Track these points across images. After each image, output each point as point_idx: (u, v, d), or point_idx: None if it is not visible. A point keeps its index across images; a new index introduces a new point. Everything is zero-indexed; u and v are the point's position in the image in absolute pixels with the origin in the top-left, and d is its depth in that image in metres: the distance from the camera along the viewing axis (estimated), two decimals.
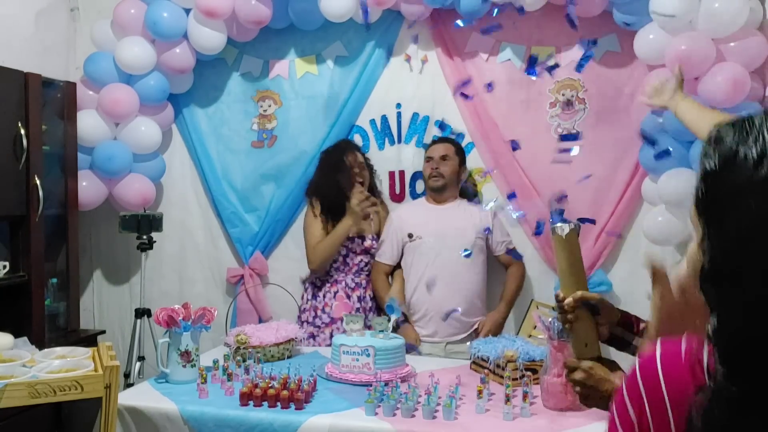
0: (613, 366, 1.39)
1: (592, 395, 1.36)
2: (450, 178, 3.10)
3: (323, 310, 3.13)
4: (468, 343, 2.98)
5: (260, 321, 3.41)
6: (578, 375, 1.38)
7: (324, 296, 3.15)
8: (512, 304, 3.13)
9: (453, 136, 3.28)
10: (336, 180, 3.14)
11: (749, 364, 0.68)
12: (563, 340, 2.06)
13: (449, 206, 3.13)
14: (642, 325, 1.47)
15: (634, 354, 1.46)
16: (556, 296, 1.45)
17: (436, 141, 3.23)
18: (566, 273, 1.44)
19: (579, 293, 1.40)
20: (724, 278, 0.69)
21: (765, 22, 2.80)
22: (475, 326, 3.05)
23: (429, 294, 3.00)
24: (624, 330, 1.46)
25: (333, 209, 3.11)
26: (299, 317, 3.21)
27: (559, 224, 1.43)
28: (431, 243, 3.05)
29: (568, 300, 1.40)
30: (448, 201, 3.14)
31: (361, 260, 3.17)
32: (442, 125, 3.38)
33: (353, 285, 3.16)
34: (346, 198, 3.07)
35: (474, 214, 3.11)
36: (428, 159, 3.14)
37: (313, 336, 3.12)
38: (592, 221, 3.16)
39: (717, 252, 0.70)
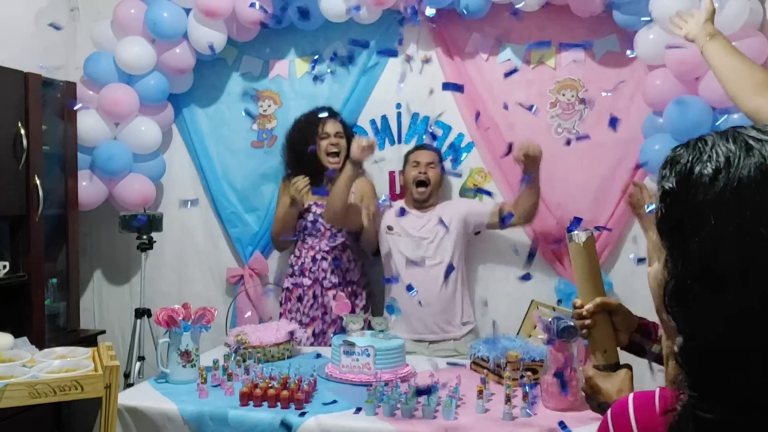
0: (626, 367, 1.39)
1: (593, 401, 1.38)
2: (435, 185, 3.13)
3: (302, 273, 3.20)
4: (452, 341, 2.99)
5: (260, 321, 3.41)
6: (582, 384, 1.41)
7: (302, 261, 3.21)
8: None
9: (433, 138, 3.36)
10: (310, 153, 3.16)
11: (721, 383, 0.67)
12: (563, 340, 2.06)
13: (428, 214, 3.12)
14: (660, 332, 1.47)
15: (654, 361, 1.46)
16: (574, 303, 1.45)
17: (420, 147, 3.24)
18: (584, 280, 1.44)
19: (599, 299, 1.40)
20: (691, 296, 0.69)
21: (765, 22, 2.80)
22: (460, 333, 3.06)
23: (407, 294, 2.97)
24: (642, 337, 1.46)
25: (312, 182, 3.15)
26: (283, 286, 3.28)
27: (575, 231, 1.43)
28: (409, 247, 3.06)
29: (588, 306, 1.40)
30: (428, 209, 3.14)
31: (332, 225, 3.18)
32: (430, 133, 3.40)
33: (327, 248, 3.19)
34: (322, 169, 3.13)
35: (451, 212, 3.10)
36: (415, 164, 3.14)
37: (287, 299, 3.23)
38: (609, 229, 3.14)
39: (682, 270, 0.70)
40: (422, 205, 3.14)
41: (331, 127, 3.20)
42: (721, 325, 0.67)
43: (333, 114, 3.26)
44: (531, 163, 2.88)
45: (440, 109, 3.41)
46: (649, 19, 2.83)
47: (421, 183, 3.10)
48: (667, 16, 2.43)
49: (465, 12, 3.10)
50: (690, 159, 0.71)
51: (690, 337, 0.70)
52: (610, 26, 3.11)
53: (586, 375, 1.37)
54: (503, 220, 2.99)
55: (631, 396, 0.80)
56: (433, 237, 3.05)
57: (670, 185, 0.72)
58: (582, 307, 1.42)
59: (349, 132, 3.27)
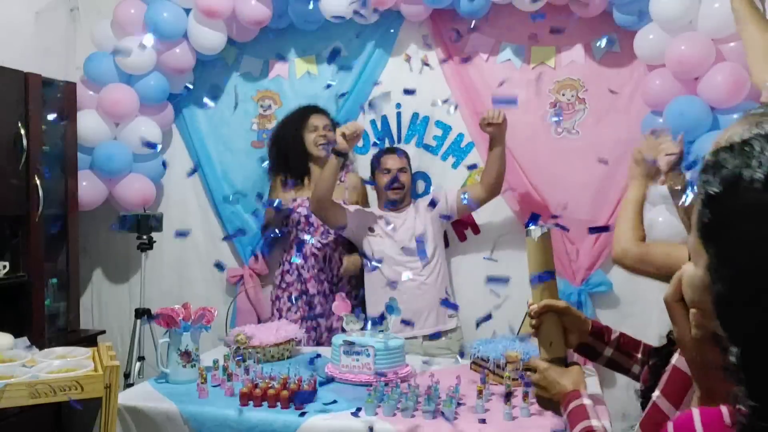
0: (572, 365, 1.41)
1: (545, 396, 1.38)
2: (407, 189, 3.16)
3: (289, 272, 3.20)
4: (443, 339, 2.99)
5: (259, 321, 3.41)
6: (534, 376, 1.41)
7: (293, 257, 3.21)
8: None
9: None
10: (302, 147, 3.17)
11: None
12: None
13: (402, 214, 3.13)
14: (613, 336, 1.48)
15: (605, 365, 1.49)
16: (528, 303, 1.47)
17: (387, 151, 3.23)
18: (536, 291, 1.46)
19: (544, 302, 1.42)
20: (749, 302, 0.66)
21: None
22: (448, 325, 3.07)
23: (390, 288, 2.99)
24: (595, 339, 1.47)
25: (298, 175, 3.17)
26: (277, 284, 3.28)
27: (532, 227, 1.44)
28: (389, 250, 3.06)
29: (534, 307, 1.42)
30: (401, 210, 3.16)
31: None
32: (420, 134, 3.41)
33: (319, 245, 3.18)
34: (311, 160, 3.15)
35: (422, 210, 3.12)
36: (386, 171, 3.14)
37: (278, 298, 3.25)
38: (605, 228, 3.13)
39: (736, 275, 0.67)
40: (398, 206, 3.15)
41: (319, 120, 3.22)
42: None
43: (320, 110, 3.28)
44: (496, 131, 2.90)
45: (440, 109, 3.41)
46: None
47: (396, 189, 3.12)
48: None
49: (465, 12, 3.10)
50: (738, 164, 0.68)
51: (749, 345, 0.67)
52: (610, 26, 3.12)
53: (541, 367, 1.38)
54: (467, 202, 3.04)
55: (696, 412, 0.77)
56: (410, 236, 3.05)
57: (716, 190, 0.69)
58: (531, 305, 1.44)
59: (337, 127, 3.26)
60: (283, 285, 3.25)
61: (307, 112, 3.25)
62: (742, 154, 0.69)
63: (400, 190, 3.13)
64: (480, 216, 3.38)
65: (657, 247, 1.90)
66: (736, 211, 0.68)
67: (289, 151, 3.23)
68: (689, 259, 0.77)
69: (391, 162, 3.15)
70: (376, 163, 3.22)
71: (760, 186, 0.66)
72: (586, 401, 1.27)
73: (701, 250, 0.72)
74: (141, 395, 2.26)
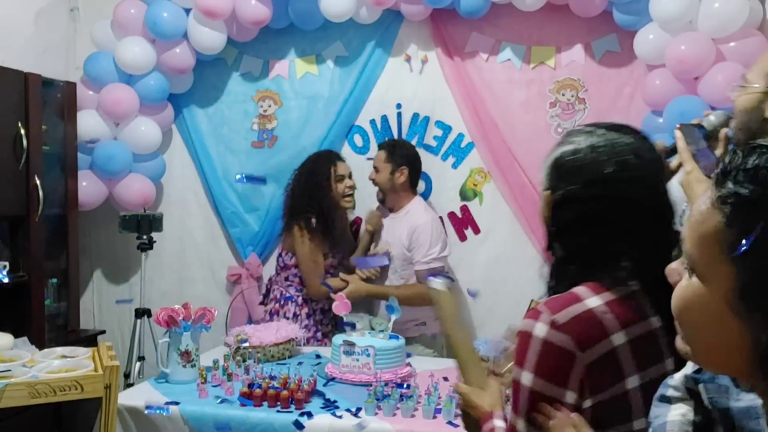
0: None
1: (468, 420, 1.39)
2: (385, 187, 3.07)
3: (286, 316, 3.07)
4: (420, 335, 3.01)
5: (249, 322, 3.39)
6: (459, 400, 1.43)
7: (291, 303, 3.10)
8: (384, 297, 2.76)
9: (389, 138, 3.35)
10: (326, 195, 3.04)
11: None
12: None
13: (398, 215, 3.10)
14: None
15: None
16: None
17: (379, 147, 3.20)
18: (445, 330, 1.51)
19: (455, 385, 1.44)
20: None
21: (765, 22, 2.80)
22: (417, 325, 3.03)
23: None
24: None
25: (324, 226, 3.02)
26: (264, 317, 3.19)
27: (432, 279, 1.52)
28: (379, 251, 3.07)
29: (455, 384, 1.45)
30: (396, 209, 3.12)
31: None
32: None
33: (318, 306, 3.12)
34: (336, 208, 3.06)
35: (412, 226, 2.99)
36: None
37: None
38: None
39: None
40: (387, 205, 3.15)
41: (344, 168, 3.14)
42: None
43: (341, 157, 3.22)
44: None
45: (440, 109, 3.41)
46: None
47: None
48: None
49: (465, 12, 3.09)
50: None
51: None
52: (610, 26, 3.12)
53: (461, 392, 1.39)
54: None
55: None
56: (395, 239, 3.03)
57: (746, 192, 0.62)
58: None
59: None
60: (275, 287, 3.19)
61: (332, 158, 3.14)
62: None
63: (378, 193, 3.11)
64: (480, 216, 3.38)
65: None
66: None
67: (320, 199, 3.04)
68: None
69: (374, 160, 3.11)
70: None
71: None
72: (498, 423, 1.26)
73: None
74: (141, 395, 2.26)
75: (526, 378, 1.06)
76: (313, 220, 3.01)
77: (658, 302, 1.05)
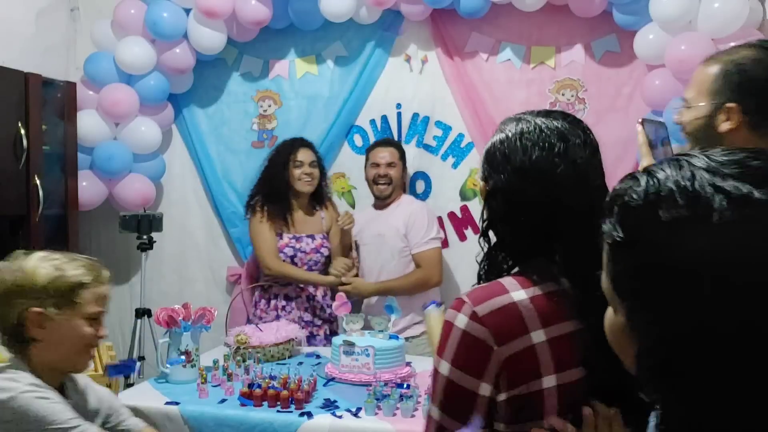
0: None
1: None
2: (396, 184, 3.14)
3: (276, 317, 3.08)
4: (421, 335, 3.00)
5: (248, 322, 3.39)
6: None
7: (274, 298, 3.12)
8: (386, 292, 2.94)
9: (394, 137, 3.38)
10: (284, 178, 3.10)
11: None
12: None
13: (389, 209, 3.13)
14: None
15: None
16: None
17: (379, 144, 3.21)
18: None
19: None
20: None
21: (765, 22, 2.80)
22: (414, 322, 3.05)
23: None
24: None
25: (280, 210, 3.09)
26: (248, 320, 3.19)
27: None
28: (370, 248, 3.09)
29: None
30: (389, 205, 3.15)
31: (311, 259, 3.13)
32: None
33: (302, 285, 3.13)
34: (292, 194, 3.10)
35: (406, 212, 3.08)
36: (375, 165, 3.12)
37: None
38: None
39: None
40: (383, 202, 3.15)
41: (305, 155, 3.12)
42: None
43: (307, 143, 3.19)
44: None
45: (440, 109, 3.41)
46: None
47: (381, 185, 3.11)
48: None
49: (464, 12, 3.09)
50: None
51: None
52: (610, 26, 3.12)
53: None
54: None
55: None
56: (393, 230, 3.05)
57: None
58: None
59: (322, 164, 3.21)
60: (267, 287, 3.19)
61: (295, 144, 3.16)
62: None
63: (386, 187, 3.11)
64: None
65: None
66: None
67: (276, 184, 3.12)
68: None
69: (382, 157, 3.12)
70: (367, 156, 3.21)
71: None
72: None
73: None
74: (141, 395, 2.26)
75: (444, 367, 1.06)
76: (264, 208, 3.09)
77: (583, 304, 1.02)
